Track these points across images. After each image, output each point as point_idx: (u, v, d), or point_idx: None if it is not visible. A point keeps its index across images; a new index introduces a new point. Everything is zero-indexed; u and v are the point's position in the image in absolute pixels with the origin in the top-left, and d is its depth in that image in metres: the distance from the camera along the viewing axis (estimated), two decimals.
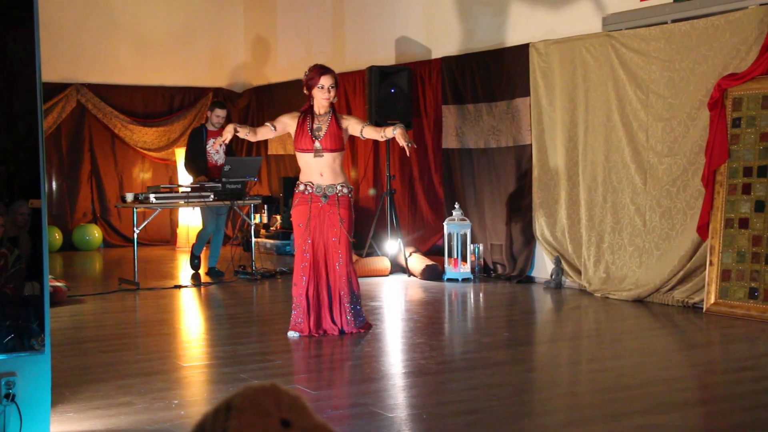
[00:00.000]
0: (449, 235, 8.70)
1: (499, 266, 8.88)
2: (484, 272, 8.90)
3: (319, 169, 6.04)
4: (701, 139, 6.94)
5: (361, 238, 9.83)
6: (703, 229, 6.84)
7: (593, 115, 7.80)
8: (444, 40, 9.47)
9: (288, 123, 6.14)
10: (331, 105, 6.11)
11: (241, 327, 6.70)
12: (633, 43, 7.42)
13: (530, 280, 8.52)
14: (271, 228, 11.68)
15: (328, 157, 6.02)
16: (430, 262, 8.86)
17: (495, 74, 8.76)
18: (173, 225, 12.51)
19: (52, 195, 11.93)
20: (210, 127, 9.03)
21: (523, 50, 8.42)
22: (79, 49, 11.96)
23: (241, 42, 13.12)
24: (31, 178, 3.68)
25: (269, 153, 12.41)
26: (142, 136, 12.42)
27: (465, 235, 8.68)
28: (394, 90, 9.21)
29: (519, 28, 8.59)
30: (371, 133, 6.12)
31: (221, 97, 12.62)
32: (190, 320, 7.34)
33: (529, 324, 6.95)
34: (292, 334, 6.05)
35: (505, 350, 5.76)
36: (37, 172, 3.67)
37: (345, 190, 6.07)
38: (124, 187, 12.08)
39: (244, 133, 6.12)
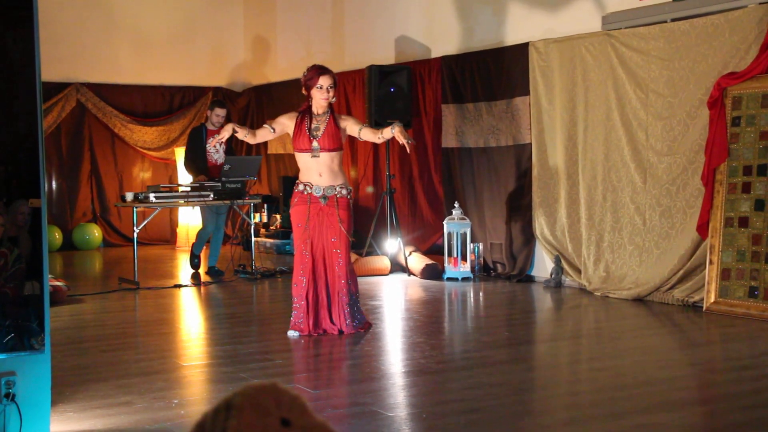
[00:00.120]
0: (449, 234, 8.70)
1: (498, 265, 8.88)
2: (483, 271, 8.90)
3: (317, 170, 6.04)
4: (701, 137, 6.94)
5: (361, 238, 9.83)
6: (702, 228, 6.84)
7: (593, 114, 7.80)
8: (443, 39, 9.47)
9: (286, 123, 6.14)
10: (330, 105, 6.12)
11: (241, 326, 6.70)
12: (632, 42, 7.42)
13: (530, 279, 8.52)
14: (271, 227, 11.68)
15: (325, 157, 6.02)
16: (429, 262, 8.86)
17: (494, 73, 8.76)
18: (173, 224, 12.51)
19: (52, 194, 11.92)
20: (210, 127, 9.03)
21: (522, 49, 8.42)
22: (78, 48, 11.96)
23: (240, 41, 13.12)
24: (30, 178, 3.68)
25: (269, 152, 12.41)
26: (142, 135, 12.42)
27: (465, 234, 8.68)
28: (394, 89, 9.21)
29: (518, 27, 8.59)
30: (368, 134, 6.12)
31: (221, 96, 12.62)
32: (190, 320, 7.34)
33: (528, 323, 6.95)
34: (292, 334, 6.06)
35: (505, 349, 5.76)
36: (36, 172, 3.67)
37: (344, 192, 6.07)
38: (124, 187, 12.08)
39: (243, 134, 6.13)
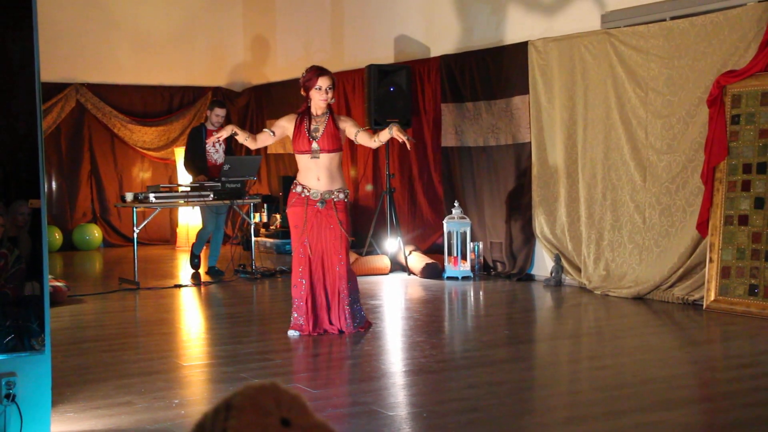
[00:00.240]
0: (449, 233, 8.70)
1: (498, 264, 8.88)
2: (484, 270, 8.91)
3: (316, 173, 6.03)
4: (700, 136, 6.94)
5: (361, 237, 9.84)
6: (702, 226, 6.84)
7: (592, 113, 7.79)
8: (443, 39, 9.47)
9: (286, 126, 6.15)
10: (329, 106, 6.12)
11: (241, 326, 6.70)
12: (632, 41, 7.42)
13: (530, 278, 8.52)
14: (271, 227, 11.68)
15: (325, 158, 6.02)
16: (429, 261, 8.86)
17: (494, 72, 8.76)
18: (173, 224, 12.51)
19: (52, 195, 11.93)
20: (209, 127, 9.03)
21: (522, 48, 8.42)
22: (78, 48, 11.96)
23: (240, 41, 13.12)
24: (30, 178, 3.68)
25: (268, 152, 12.41)
26: (142, 135, 12.42)
27: (465, 233, 8.68)
28: (393, 88, 9.21)
29: (518, 26, 8.58)
30: (365, 139, 6.12)
31: (220, 96, 12.62)
32: (191, 319, 7.34)
33: (529, 322, 6.95)
34: (292, 333, 6.06)
35: (505, 348, 5.76)
36: (36, 172, 3.67)
37: (341, 196, 6.08)
38: (124, 187, 12.08)
39: (243, 138, 6.15)
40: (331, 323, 6.09)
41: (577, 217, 8.01)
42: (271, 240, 11.27)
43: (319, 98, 6.04)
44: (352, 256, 8.84)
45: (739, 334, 6.06)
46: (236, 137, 6.25)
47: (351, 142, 6.27)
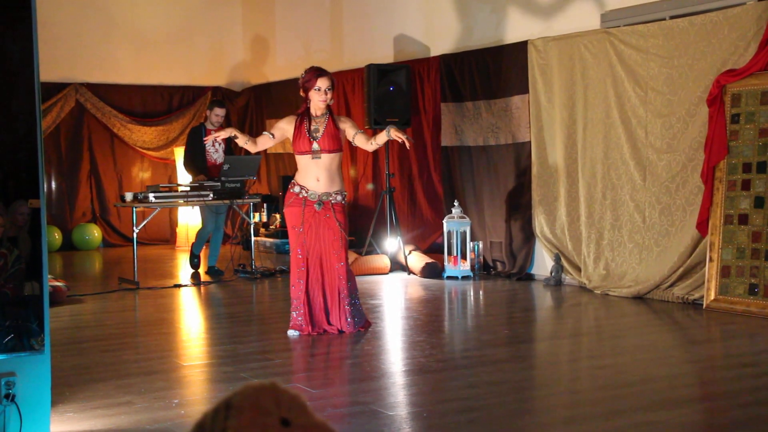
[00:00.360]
0: (449, 232, 8.70)
1: (498, 264, 8.88)
2: (483, 270, 8.90)
3: (316, 173, 6.03)
4: (700, 135, 6.94)
5: (361, 237, 9.84)
6: (702, 226, 6.84)
7: (592, 112, 7.79)
8: (442, 38, 9.46)
9: (285, 128, 6.15)
10: (328, 106, 6.12)
11: (241, 326, 6.70)
12: (631, 40, 7.42)
13: (530, 278, 8.52)
14: (271, 227, 11.68)
15: (326, 158, 6.02)
16: (429, 260, 8.86)
17: (493, 72, 8.75)
18: (173, 224, 12.51)
19: (52, 195, 11.92)
20: (209, 126, 9.03)
21: (521, 47, 8.42)
22: (77, 48, 11.95)
23: (239, 41, 13.12)
24: (30, 178, 3.68)
25: (268, 152, 12.41)
26: (141, 135, 12.42)
27: (464, 232, 8.68)
28: (393, 88, 9.20)
29: (517, 25, 8.58)
30: (362, 141, 6.13)
31: (220, 95, 12.62)
32: (190, 319, 7.34)
33: (529, 321, 6.95)
34: (292, 333, 6.06)
35: (505, 348, 5.76)
36: (36, 172, 3.67)
37: (339, 198, 6.08)
38: (124, 187, 12.08)
39: (243, 141, 6.16)
40: (330, 323, 6.09)
41: (576, 217, 8.01)
42: (270, 240, 11.27)
43: (318, 99, 6.04)
44: (352, 256, 8.84)
45: (739, 333, 6.05)
46: (236, 140, 6.26)
47: (350, 142, 6.27)
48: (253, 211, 9.76)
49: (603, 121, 7.70)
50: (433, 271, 8.74)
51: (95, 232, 12.00)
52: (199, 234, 9.20)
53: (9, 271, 3.65)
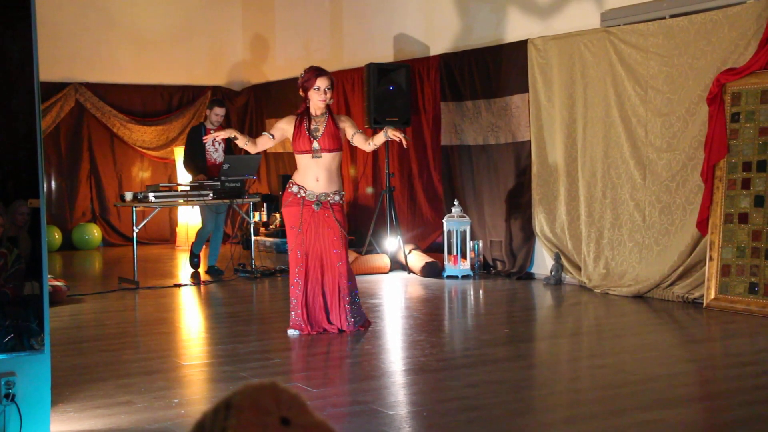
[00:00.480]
0: (449, 232, 8.70)
1: (498, 263, 8.88)
2: (483, 269, 8.90)
3: (316, 173, 6.03)
4: (700, 134, 6.94)
5: (361, 236, 9.83)
6: (702, 225, 6.84)
7: (592, 111, 7.79)
8: (442, 37, 9.46)
9: (285, 128, 6.15)
10: (327, 106, 6.12)
11: (241, 325, 6.70)
12: (631, 39, 7.42)
13: (530, 277, 8.52)
14: (271, 226, 11.68)
15: (327, 157, 6.02)
16: (429, 259, 8.86)
17: (493, 71, 8.75)
18: (172, 224, 12.51)
19: (52, 194, 11.92)
20: (209, 126, 9.03)
21: (521, 46, 8.41)
22: (77, 48, 11.95)
23: (239, 40, 13.11)
24: (29, 178, 3.67)
25: (268, 151, 12.40)
26: (141, 135, 12.42)
27: (464, 232, 8.68)
28: (393, 87, 9.20)
29: (517, 25, 8.58)
30: (360, 141, 6.14)
31: (220, 95, 12.61)
32: (190, 319, 7.34)
33: (529, 320, 6.95)
34: (291, 332, 6.06)
35: (505, 347, 5.76)
36: (35, 172, 3.67)
37: (337, 198, 6.08)
38: (123, 186, 12.08)
39: (243, 142, 6.17)
40: (330, 323, 6.08)
41: (576, 216, 8.01)
42: (270, 239, 11.27)
43: (317, 99, 6.04)
44: (352, 255, 8.84)
45: (739, 332, 6.05)
46: (236, 141, 6.26)
47: (349, 142, 6.27)
48: (253, 211, 9.76)
49: (603, 120, 7.70)
50: (433, 270, 8.74)
51: (95, 232, 12.00)
52: (199, 233, 9.20)
53: (9, 271, 3.65)
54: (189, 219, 11.75)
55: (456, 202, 8.79)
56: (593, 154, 7.79)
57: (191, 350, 5.93)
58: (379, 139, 6.07)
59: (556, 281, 8.07)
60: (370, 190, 10.39)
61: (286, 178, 11.14)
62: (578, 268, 7.99)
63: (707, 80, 6.86)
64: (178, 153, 11.65)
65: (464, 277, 8.63)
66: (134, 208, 8.64)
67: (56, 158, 11.96)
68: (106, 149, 12.33)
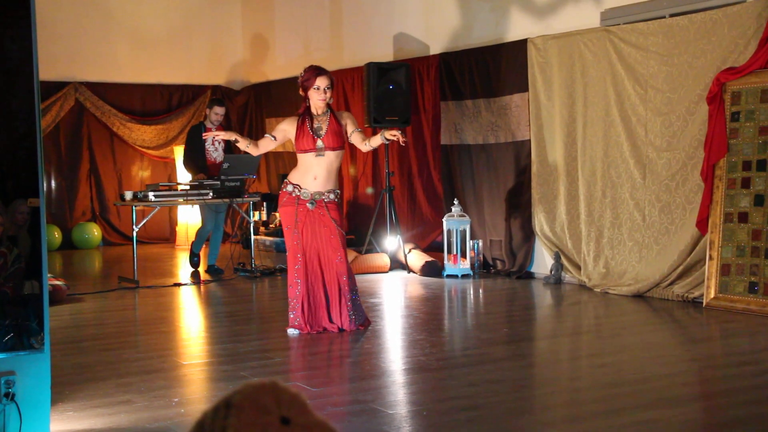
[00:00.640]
0: (448, 231, 8.70)
1: (498, 262, 8.87)
2: (483, 268, 8.90)
3: (315, 172, 6.03)
4: (700, 133, 6.94)
5: (361, 235, 9.83)
6: (702, 224, 6.84)
7: (592, 111, 7.79)
8: (442, 36, 9.46)
9: (287, 129, 6.15)
10: (328, 105, 6.12)
11: (241, 324, 6.70)
12: (631, 38, 7.42)
13: (530, 276, 8.52)
14: (270, 225, 11.68)
15: (330, 155, 6.03)
16: (429, 259, 8.86)
17: (493, 70, 8.75)
18: (172, 223, 12.51)
19: (51, 194, 11.92)
20: (209, 125, 9.02)
21: (521, 46, 8.41)
22: (77, 47, 11.95)
23: (239, 39, 13.11)
24: (29, 177, 3.67)
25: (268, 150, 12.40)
26: (141, 134, 12.42)
27: (464, 231, 8.68)
28: (393, 86, 9.20)
29: (517, 24, 8.58)
30: (357, 140, 6.15)
31: (220, 94, 12.61)
32: (190, 318, 7.34)
33: (529, 320, 6.95)
34: (291, 332, 6.06)
35: (505, 346, 5.76)
36: (35, 171, 3.67)
37: (332, 196, 6.08)
38: (123, 186, 12.08)
39: (244, 145, 6.18)
40: (331, 321, 6.08)
41: (576, 215, 8.01)
42: (270, 238, 11.27)
43: (317, 98, 6.04)
44: (352, 254, 8.84)
45: (738, 331, 6.05)
46: (237, 144, 6.27)
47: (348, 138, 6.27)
48: (253, 210, 9.76)
49: (603, 120, 7.70)
50: (432, 269, 8.74)
51: (95, 231, 12.00)
52: (199, 233, 9.20)
53: (9, 270, 3.65)
54: (189, 218, 11.75)
55: (456, 202, 8.79)
56: (593, 154, 7.79)
57: (191, 349, 5.93)
58: (376, 141, 6.10)
59: (555, 280, 8.07)
60: (370, 190, 10.38)
61: (285, 177, 11.17)
62: (578, 268, 7.99)
63: (707, 79, 6.86)
64: (178, 152, 11.65)
65: (464, 276, 8.63)
66: (134, 208, 8.64)
67: (56, 157, 11.96)
68: (106, 148, 12.33)
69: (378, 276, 8.86)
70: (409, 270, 8.99)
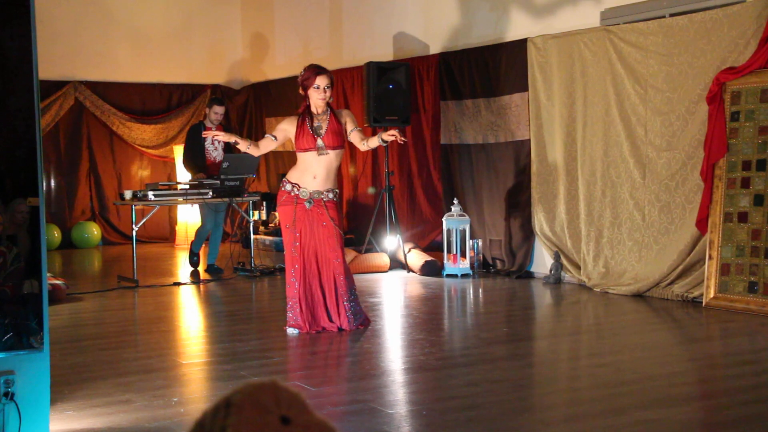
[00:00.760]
0: (448, 230, 8.70)
1: (498, 262, 8.87)
2: (483, 268, 8.90)
3: (314, 171, 6.03)
4: (700, 133, 6.94)
5: (360, 235, 9.83)
6: (702, 223, 6.84)
7: (592, 110, 7.79)
8: (442, 36, 9.46)
9: (287, 129, 6.14)
10: (328, 103, 6.12)
11: (241, 324, 6.70)
12: (631, 38, 7.41)
13: (529, 276, 8.52)
14: (270, 225, 11.67)
15: (331, 154, 6.04)
16: (429, 258, 8.85)
17: (493, 70, 8.75)
18: (172, 222, 12.50)
19: (51, 193, 11.92)
20: (208, 124, 9.02)
21: (520, 45, 8.41)
22: (76, 46, 11.94)
23: (238, 38, 13.10)
24: (28, 176, 3.67)
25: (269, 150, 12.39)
26: (141, 133, 12.41)
27: (464, 230, 8.67)
28: (393, 86, 9.20)
29: (517, 23, 8.58)
30: (355, 139, 6.15)
31: (219, 93, 12.61)
32: (190, 317, 7.34)
33: (528, 319, 6.95)
34: (291, 331, 6.05)
35: (505, 346, 5.76)
36: (34, 170, 3.66)
37: (330, 195, 6.08)
38: (123, 185, 12.07)
39: (245, 146, 6.17)
40: (330, 321, 6.08)
41: (576, 215, 8.01)
42: (270, 238, 11.26)
43: (317, 97, 6.04)
44: (351, 254, 8.84)
45: (738, 331, 6.05)
46: (237, 147, 6.26)
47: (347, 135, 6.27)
48: (253, 209, 9.76)
49: (602, 119, 7.70)
50: (432, 269, 8.74)
51: (94, 230, 11.99)
52: (199, 232, 9.20)
53: (8, 270, 3.65)
54: (188, 217, 11.75)
55: (455, 201, 8.79)
56: (593, 153, 7.79)
57: (190, 349, 5.93)
58: (373, 142, 6.11)
59: (555, 280, 8.07)
60: (372, 190, 10.37)
61: (284, 177, 11.16)
62: (578, 267, 7.99)
63: (707, 79, 6.85)
64: (178, 151, 11.65)
65: (464, 275, 8.63)
66: (134, 207, 8.64)
67: (55, 156, 11.96)
68: (106, 147, 12.32)
69: (377, 275, 8.85)
70: (409, 269, 8.99)
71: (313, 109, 6.09)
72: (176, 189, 8.91)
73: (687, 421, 4.11)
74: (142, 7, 12.37)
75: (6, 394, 3.56)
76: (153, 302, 7.66)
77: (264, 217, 11.85)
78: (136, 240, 8.74)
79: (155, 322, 6.82)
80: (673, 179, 7.17)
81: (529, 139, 8.40)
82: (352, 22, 10.92)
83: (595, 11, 7.83)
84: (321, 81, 6.03)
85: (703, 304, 6.72)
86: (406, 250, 9.09)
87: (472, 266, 8.72)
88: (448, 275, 8.65)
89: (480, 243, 8.86)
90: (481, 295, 7.95)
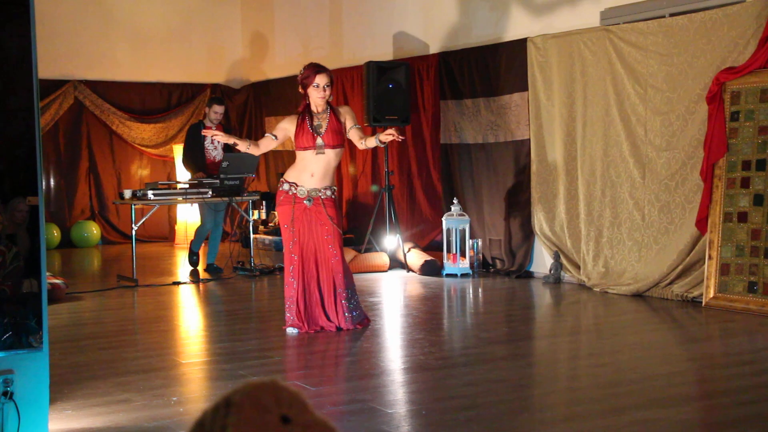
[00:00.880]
0: (448, 230, 8.70)
1: (498, 261, 8.87)
2: (483, 267, 8.90)
3: (312, 169, 6.03)
4: (700, 133, 6.94)
5: (360, 234, 9.83)
6: (701, 223, 6.84)
7: (591, 110, 7.79)
8: (442, 35, 9.46)
9: (287, 128, 6.14)
10: (328, 102, 6.12)
11: (240, 323, 6.69)
12: (631, 38, 7.41)
13: (529, 275, 8.52)
14: (270, 224, 11.67)
15: (330, 153, 6.03)
16: (428, 258, 8.85)
17: (493, 69, 8.75)
18: (171, 221, 12.50)
19: (50, 192, 11.92)
20: (208, 124, 9.02)
21: (520, 45, 8.41)
22: (76, 45, 11.94)
23: (238, 38, 13.10)
24: (28, 175, 3.67)
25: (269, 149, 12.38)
26: (140, 132, 12.41)
27: (464, 230, 8.67)
28: (392, 85, 9.20)
29: (516, 23, 8.58)
30: (354, 137, 6.15)
31: (219, 93, 12.61)
32: (189, 317, 7.34)
33: (528, 319, 6.95)
34: (290, 331, 6.05)
35: (505, 345, 5.76)
36: (34, 169, 3.66)
37: (329, 193, 6.08)
38: (122, 184, 12.07)
39: (244, 147, 6.17)
40: (329, 320, 6.07)
41: (576, 214, 8.00)
42: (269, 237, 11.26)
43: (317, 96, 6.04)
44: (351, 254, 8.84)
45: (738, 331, 6.05)
46: (237, 148, 6.26)
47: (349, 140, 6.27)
48: (252, 209, 9.76)
49: (602, 119, 7.70)
50: (432, 268, 8.74)
51: (94, 230, 11.99)
52: (198, 231, 9.20)
53: (7, 269, 3.65)
54: (188, 217, 11.75)
55: (455, 201, 8.79)
56: (593, 153, 7.79)
57: (190, 348, 5.93)
58: (371, 142, 6.10)
59: (555, 280, 8.07)
60: (374, 188, 10.35)
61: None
62: (577, 267, 7.99)
63: (707, 79, 6.85)
64: (177, 151, 11.65)
65: (463, 275, 8.63)
66: (133, 206, 8.64)
67: (55, 156, 11.95)
68: (105, 147, 12.32)
69: (377, 275, 8.85)
70: (409, 269, 8.98)
71: (313, 108, 6.09)
72: (176, 188, 8.91)
73: (687, 421, 4.11)
74: (141, 7, 12.37)
75: (5, 394, 3.56)
76: (152, 301, 7.66)
77: (263, 216, 11.85)
78: (136, 239, 8.74)
79: (155, 321, 6.82)
80: (672, 179, 7.17)
81: (529, 139, 8.40)
82: (351, 22, 10.92)
83: (595, 11, 7.83)
84: (320, 79, 6.03)
85: (703, 303, 6.73)
86: (406, 250, 9.08)
87: (471, 266, 8.72)
88: (447, 275, 8.65)
89: (480, 243, 8.86)
90: (480, 295, 7.95)
